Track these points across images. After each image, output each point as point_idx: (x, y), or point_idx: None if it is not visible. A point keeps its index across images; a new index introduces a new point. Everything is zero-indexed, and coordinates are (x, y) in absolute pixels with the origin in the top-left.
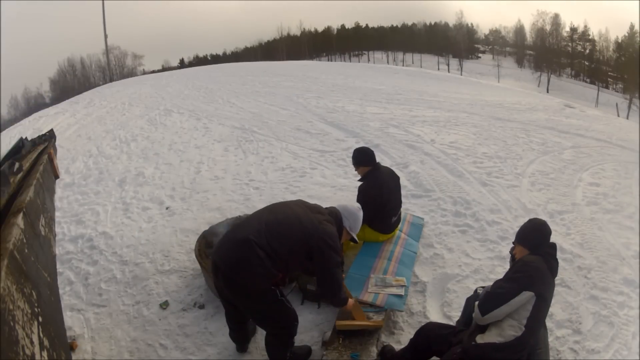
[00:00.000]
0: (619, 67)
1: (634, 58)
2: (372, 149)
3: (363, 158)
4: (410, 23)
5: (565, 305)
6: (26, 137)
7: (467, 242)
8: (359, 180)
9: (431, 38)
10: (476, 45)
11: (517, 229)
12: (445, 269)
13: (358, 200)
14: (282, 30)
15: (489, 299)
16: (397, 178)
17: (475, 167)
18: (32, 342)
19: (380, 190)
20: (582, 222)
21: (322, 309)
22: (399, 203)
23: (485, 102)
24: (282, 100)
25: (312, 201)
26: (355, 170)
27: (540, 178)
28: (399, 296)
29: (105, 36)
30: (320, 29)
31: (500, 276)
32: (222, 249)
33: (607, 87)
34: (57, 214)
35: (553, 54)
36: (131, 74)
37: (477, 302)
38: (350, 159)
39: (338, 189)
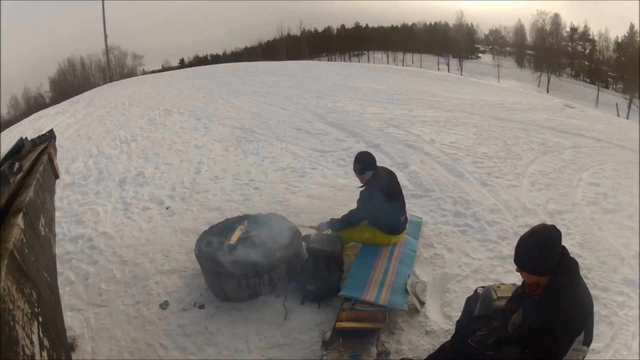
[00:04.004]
0: (619, 67)
1: (634, 58)
2: (371, 149)
3: (369, 163)
4: (410, 23)
5: None
6: (26, 137)
7: (467, 242)
8: (361, 187)
9: (431, 38)
10: (476, 45)
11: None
12: (445, 269)
13: (358, 203)
14: (282, 30)
15: None
16: (395, 176)
17: (475, 167)
18: (32, 342)
19: (383, 194)
20: (582, 222)
21: (322, 309)
22: (404, 201)
23: (485, 102)
24: (282, 100)
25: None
26: (360, 175)
27: (540, 178)
28: (402, 296)
29: (105, 36)
30: (320, 29)
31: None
32: None
33: (607, 87)
34: (57, 214)
35: (553, 54)
36: (131, 74)
37: None
38: (350, 159)
39: (338, 189)
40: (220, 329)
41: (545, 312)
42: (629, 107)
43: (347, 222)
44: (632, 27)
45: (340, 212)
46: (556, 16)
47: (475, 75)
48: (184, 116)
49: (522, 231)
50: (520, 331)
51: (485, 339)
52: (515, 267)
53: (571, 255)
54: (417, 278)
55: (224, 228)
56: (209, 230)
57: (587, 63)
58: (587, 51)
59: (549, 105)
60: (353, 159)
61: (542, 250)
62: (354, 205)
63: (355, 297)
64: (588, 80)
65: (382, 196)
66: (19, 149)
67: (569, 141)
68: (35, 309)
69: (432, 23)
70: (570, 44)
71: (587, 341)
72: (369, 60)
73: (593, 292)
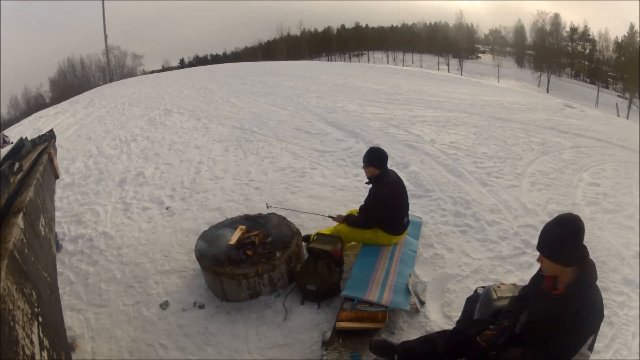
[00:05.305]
0: (619, 67)
1: (634, 58)
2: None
3: (377, 160)
4: (410, 23)
5: None
6: (26, 137)
7: (467, 242)
8: (367, 182)
9: (431, 38)
10: (476, 45)
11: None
12: (445, 269)
13: (367, 202)
14: (282, 30)
15: None
16: (401, 179)
17: (475, 167)
18: (32, 342)
19: (393, 193)
20: None
21: (322, 309)
22: (408, 203)
23: (485, 102)
24: (282, 100)
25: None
26: (364, 168)
27: (540, 178)
28: (404, 296)
29: (105, 36)
30: (320, 29)
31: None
32: None
33: (607, 87)
34: (57, 214)
35: (553, 54)
36: (131, 74)
37: None
38: (350, 159)
39: (338, 189)
40: (220, 329)
41: (568, 312)
42: (629, 107)
43: (361, 223)
44: (632, 27)
45: (341, 212)
46: (556, 16)
47: (475, 75)
48: (184, 116)
49: (522, 231)
50: (528, 331)
51: (495, 339)
52: (538, 255)
53: None
54: (417, 278)
55: (224, 228)
56: (208, 230)
57: (587, 63)
58: (587, 51)
59: (549, 105)
60: (353, 159)
61: (569, 239)
62: (354, 206)
63: (357, 297)
64: (588, 80)
65: (390, 196)
66: (19, 149)
67: (569, 141)
68: (35, 309)
69: (432, 23)
70: (570, 44)
71: (592, 346)
72: (369, 60)
73: None
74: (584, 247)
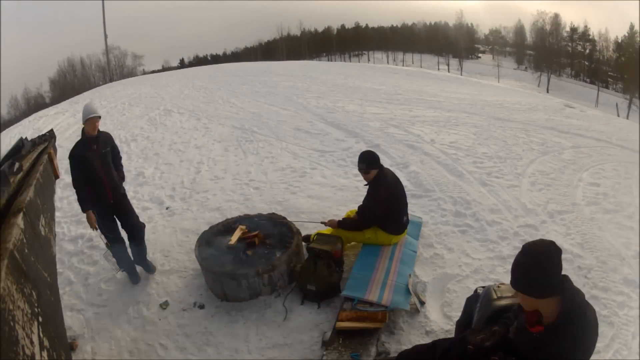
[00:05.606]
0: (619, 67)
1: (634, 58)
2: (371, 149)
3: (373, 162)
4: (410, 23)
5: None
6: (26, 137)
7: (467, 242)
8: (366, 185)
9: (431, 38)
10: (476, 45)
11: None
12: (445, 269)
13: (366, 201)
14: (282, 30)
15: None
16: (398, 178)
17: (475, 167)
18: (32, 342)
19: (391, 191)
20: (582, 222)
21: (322, 309)
22: (406, 202)
23: (485, 102)
24: (282, 100)
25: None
26: (365, 174)
27: (540, 178)
28: (404, 296)
29: (105, 36)
30: (320, 29)
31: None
32: None
33: (607, 87)
34: (57, 214)
35: (553, 54)
36: (131, 74)
37: None
38: (350, 159)
39: (338, 189)
40: (220, 329)
41: (549, 353)
42: (629, 107)
43: (359, 224)
44: (632, 27)
45: (340, 212)
46: (556, 16)
47: (475, 75)
48: (184, 116)
49: (522, 231)
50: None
51: (482, 341)
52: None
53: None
54: (417, 278)
55: (224, 228)
56: (209, 230)
57: (587, 63)
58: (587, 51)
59: (549, 105)
60: (353, 159)
61: (534, 267)
62: (353, 206)
63: (357, 297)
64: (588, 80)
65: (389, 194)
66: (19, 149)
67: (569, 141)
68: (35, 309)
69: (432, 23)
70: (570, 44)
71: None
72: (369, 60)
73: (593, 292)
74: (566, 277)
